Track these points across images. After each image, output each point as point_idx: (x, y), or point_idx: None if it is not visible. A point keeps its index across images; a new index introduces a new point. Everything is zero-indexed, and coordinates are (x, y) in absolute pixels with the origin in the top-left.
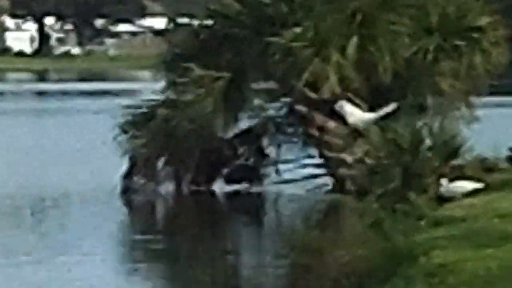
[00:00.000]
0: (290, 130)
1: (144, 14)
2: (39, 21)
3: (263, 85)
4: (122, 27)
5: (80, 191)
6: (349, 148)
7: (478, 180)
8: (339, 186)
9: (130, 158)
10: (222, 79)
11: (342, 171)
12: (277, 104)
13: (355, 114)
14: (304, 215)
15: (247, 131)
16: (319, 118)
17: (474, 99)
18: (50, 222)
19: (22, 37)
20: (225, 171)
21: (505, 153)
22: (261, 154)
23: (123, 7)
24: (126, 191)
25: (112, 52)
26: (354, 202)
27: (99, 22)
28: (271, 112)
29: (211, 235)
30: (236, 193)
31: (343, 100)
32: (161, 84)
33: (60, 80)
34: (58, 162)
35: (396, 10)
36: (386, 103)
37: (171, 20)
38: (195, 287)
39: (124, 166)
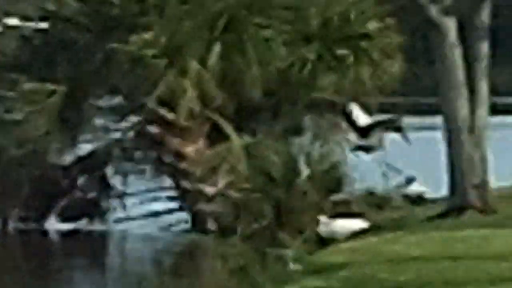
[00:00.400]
0: (140, 156)
1: None
2: None
3: (107, 101)
4: None
5: None
6: (211, 178)
7: (365, 218)
8: (198, 223)
9: None
10: (57, 94)
11: (202, 205)
12: (125, 125)
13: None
14: (156, 258)
15: (88, 157)
16: (174, 141)
17: None
18: None
19: None
20: (60, 205)
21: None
22: (105, 185)
23: None
24: None
25: None
26: (217, 243)
27: None
28: (117, 134)
29: (41, 283)
30: (74, 232)
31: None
32: None
33: None
34: None
35: (269, 12)
36: (255, 123)
37: None
38: None
39: None
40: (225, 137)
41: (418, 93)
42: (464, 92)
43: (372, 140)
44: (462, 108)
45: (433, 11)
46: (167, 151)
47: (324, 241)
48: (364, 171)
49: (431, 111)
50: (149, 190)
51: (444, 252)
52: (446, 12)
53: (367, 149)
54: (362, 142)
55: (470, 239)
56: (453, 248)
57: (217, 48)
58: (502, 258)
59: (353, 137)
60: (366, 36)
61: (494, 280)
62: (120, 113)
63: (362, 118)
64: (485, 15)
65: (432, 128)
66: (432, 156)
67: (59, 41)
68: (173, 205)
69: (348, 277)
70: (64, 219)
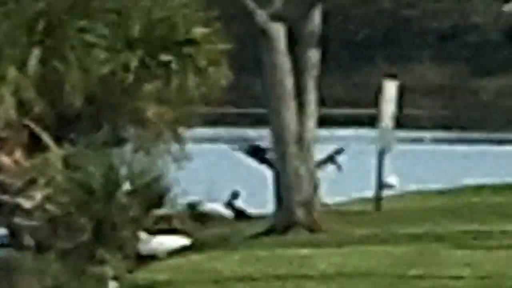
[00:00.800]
0: None
1: None
2: None
3: None
4: None
5: None
6: (27, 191)
7: (188, 234)
8: (15, 238)
9: None
10: None
11: (18, 220)
12: None
13: None
14: None
15: None
16: None
17: (185, 131)
18: None
19: None
20: None
21: (224, 199)
22: None
23: None
24: None
25: None
26: (33, 260)
27: None
28: None
29: None
30: None
31: None
32: None
33: None
34: None
35: (90, 15)
36: (75, 133)
37: None
38: None
39: None
40: (44, 148)
41: (247, 103)
42: (292, 103)
43: None
44: (290, 122)
45: (261, 17)
46: None
47: (145, 258)
48: (187, 185)
49: (261, 122)
50: None
51: (269, 271)
52: (275, 18)
53: None
54: None
55: (295, 258)
56: (277, 267)
57: (36, 52)
58: (326, 278)
59: None
60: (191, 42)
61: None
62: None
63: None
64: (315, 24)
65: (260, 140)
66: (260, 170)
67: None
68: None
69: None
70: None
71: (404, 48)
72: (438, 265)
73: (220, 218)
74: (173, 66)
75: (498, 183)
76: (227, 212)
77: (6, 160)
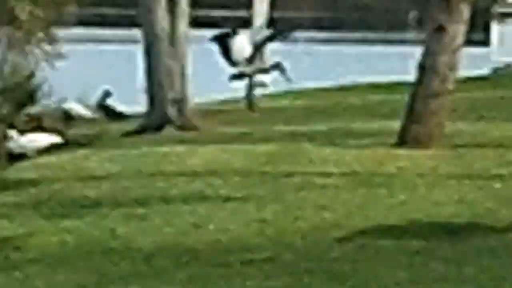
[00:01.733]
0: None
1: None
2: None
3: None
4: None
5: None
6: None
7: (58, 133)
8: None
9: None
10: None
11: None
12: None
13: None
14: None
15: None
16: None
17: (58, 31)
18: None
19: None
20: None
21: (95, 99)
22: None
23: None
24: None
25: None
26: None
27: None
28: None
29: None
30: None
31: None
32: None
33: None
34: None
35: None
36: None
37: None
38: None
39: None
40: None
41: (123, 3)
42: (163, 2)
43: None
44: (162, 19)
45: None
46: None
47: (15, 157)
48: (58, 84)
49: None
50: None
51: (138, 168)
52: None
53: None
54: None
55: (165, 155)
56: (147, 165)
57: None
58: (196, 175)
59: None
60: None
61: (187, 197)
62: None
63: (247, 49)
64: None
65: (133, 41)
66: (132, 70)
67: None
68: None
69: (38, 193)
70: None
71: None
72: (308, 163)
73: (80, 117)
74: None
75: (375, 82)
76: (85, 112)
77: None
